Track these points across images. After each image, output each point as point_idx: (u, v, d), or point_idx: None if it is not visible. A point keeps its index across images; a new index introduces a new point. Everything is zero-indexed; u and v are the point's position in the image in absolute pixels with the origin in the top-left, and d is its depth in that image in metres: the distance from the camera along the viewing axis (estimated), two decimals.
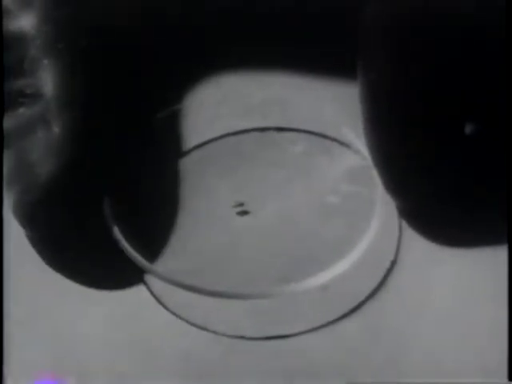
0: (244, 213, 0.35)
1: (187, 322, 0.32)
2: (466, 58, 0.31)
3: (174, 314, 0.32)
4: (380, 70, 0.32)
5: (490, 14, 0.30)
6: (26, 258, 0.33)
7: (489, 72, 0.31)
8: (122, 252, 0.33)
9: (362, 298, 0.32)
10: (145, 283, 0.33)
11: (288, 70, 0.39)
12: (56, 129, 0.34)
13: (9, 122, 0.34)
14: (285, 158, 0.37)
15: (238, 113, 0.38)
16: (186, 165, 0.37)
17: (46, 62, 0.34)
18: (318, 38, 0.39)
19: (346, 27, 0.35)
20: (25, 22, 0.35)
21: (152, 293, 0.33)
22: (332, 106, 0.37)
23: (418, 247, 0.33)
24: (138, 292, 0.33)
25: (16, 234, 0.33)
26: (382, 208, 0.33)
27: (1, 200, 0.33)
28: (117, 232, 0.33)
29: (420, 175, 0.32)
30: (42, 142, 0.34)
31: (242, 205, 0.35)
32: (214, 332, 0.31)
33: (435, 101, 0.31)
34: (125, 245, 0.33)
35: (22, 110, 0.34)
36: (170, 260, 0.33)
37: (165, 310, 0.32)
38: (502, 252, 0.31)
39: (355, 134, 0.35)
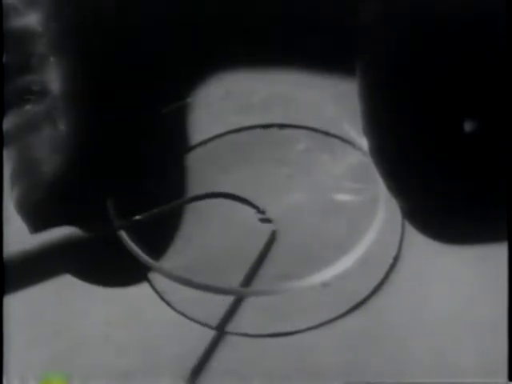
0: (267, 220, 0.35)
1: (191, 319, 0.32)
2: (466, 57, 0.31)
3: (177, 311, 0.32)
4: (380, 69, 0.32)
5: (491, 12, 0.31)
6: None
7: (490, 71, 0.31)
8: (125, 249, 0.33)
9: (364, 294, 0.32)
10: (148, 280, 0.33)
11: (291, 67, 0.39)
12: (61, 126, 0.34)
13: (14, 118, 0.34)
14: (287, 155, 0.37)
15: (241, 110, 0.38)
16: (190, 161, 0.37)
17: (52, 59, 0.35)
18: (320, 35, 0.39)
19: (346, 25, 0.35)
20: (32, 20, 0.35)
21: (156, 290, 0.33)
22: (335, 104, 0.37)
23: (421, 243, 0.33)
24: (141, 289, 0.33)
25: (17, 232, 0.33)
26: (385, 205, 0.34)
27: (1, 200, 0.33)
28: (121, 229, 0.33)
29: (421, 175, 0.33)
30: (47, 140, 0.34)
31: (263, 213, 0.35)
32: (217, 329, 0.32)
33: (435, 100, 0.31)
34: (128, 242, 0.33)
35: (28, 107, 0.34)
36: (174, 257, 0.33)
37: (168, 308, 0.32)
38: (502, 249, 0.32)
39: (357, 132, 0.36)
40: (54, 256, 0.31)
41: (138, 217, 0.34)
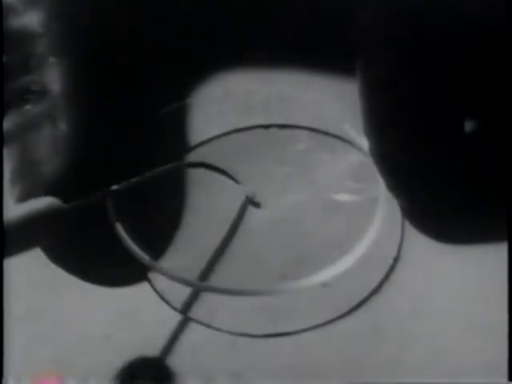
0: (256, 204, 0.35)
1: (190, 318, 0.32)
2: (466, 57, 0.31)
3: (177, 310, 0.32)
4: (380, 69, 0.32)
5: (490, 12, 0.31)
6: (26, 257, 0.33)
7: (489, 70, 0.31)
8: (125, 249, 0.33)
9: (364, 294, 0.32)
10: (148, 280, 0.33)
11: (291, 67, 0.39)
12: (61, 126, 0.34)
13: (14, 118, 0.34)
14: (287, 155, 0.37)
15: (241, 110, 0.38)
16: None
17: (52, 59, 0.35)
18: (320, 36, 0.39)
19: (347, 26, 0.35)
20: (31, 20, 0.35)
21: (155, 290, 0.33)
22: (335, 104, 0.37)
23: (421, 243, 0.33)
24: (141, 289, 0.33)
25: None
26: (385, 205, 0.34)
27: (1, 200, 0.33)
28: (120, 229, 0.33)
29: (421, 174, 0.33)
30: (47, 139, 0.34)
31: (253, 196, 0.35)
32: (217, 329, 0.32)
33: (435, 99, 0.31)
34: (128, 242, 0.33)
35: (28, 107, 0.34)
36: (174, 257, 0.33)
37: (168, 307, 0.32)
38: (502, 249, 0.32)
39: (358, 131, 0.36)
40: (36, 227, 0.31)
41: (117, 186, 0.33)
